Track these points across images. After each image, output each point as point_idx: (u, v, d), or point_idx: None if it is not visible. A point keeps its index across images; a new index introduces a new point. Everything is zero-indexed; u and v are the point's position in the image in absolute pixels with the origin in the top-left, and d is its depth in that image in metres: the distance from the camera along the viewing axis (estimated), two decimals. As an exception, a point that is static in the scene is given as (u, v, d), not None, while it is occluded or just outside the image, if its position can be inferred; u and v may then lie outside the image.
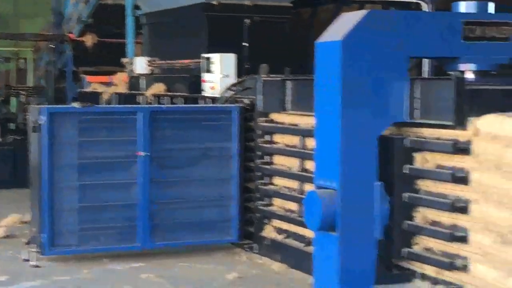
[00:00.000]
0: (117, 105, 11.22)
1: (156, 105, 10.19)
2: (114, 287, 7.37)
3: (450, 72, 6.82)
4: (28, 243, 8.51)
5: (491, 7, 7.35)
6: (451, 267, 6.30)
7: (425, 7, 8.90)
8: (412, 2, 10.03)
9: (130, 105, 10.15)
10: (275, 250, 8.33)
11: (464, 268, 6.20)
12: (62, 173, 8.17)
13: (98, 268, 8.00)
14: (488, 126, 5.99)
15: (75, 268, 7.96)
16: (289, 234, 8.22)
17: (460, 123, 6.24)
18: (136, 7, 12.64)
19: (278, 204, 8.43)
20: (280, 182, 8.45)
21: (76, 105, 8.76)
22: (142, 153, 8.35)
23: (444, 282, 6.43)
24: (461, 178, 6.24)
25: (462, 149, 6.22)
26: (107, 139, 8.37)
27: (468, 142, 6.16)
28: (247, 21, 10.15)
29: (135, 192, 8.42)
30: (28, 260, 8.12)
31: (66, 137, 8.22)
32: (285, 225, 8.28)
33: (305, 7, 10.13)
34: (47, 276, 7.70)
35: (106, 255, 8.30)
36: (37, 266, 7.98)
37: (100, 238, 8.35)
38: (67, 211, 8.22)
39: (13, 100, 15.62)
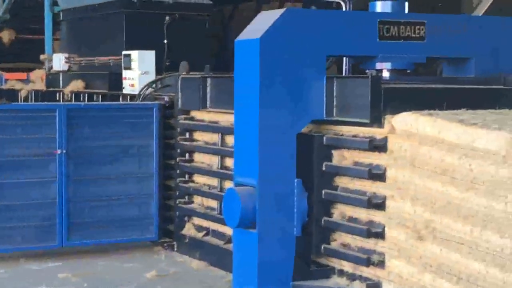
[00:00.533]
0: (34, 103, 11.09)
1: (74, 103, 10.10)
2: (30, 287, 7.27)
3: (367, 71, 6.89)
4: None
5: (406, 7, 7.54)
6: (368, 263, 6.35)
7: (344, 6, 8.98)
8: (333, 2, 10.14)
9: (47, 103, 10.01)
10: (195, 248, 8.34)
11: (380, 264, 6.29)
12: None
13: (15, 267, 7.94)
14: (403, 124, 6.08)
15: None
16: (209, 232, 8.25)
17: (376, 121, 6.30)
18: (55, 3, 12.53)
19: (198, 202, 8.46)
20: (200, 179, 8.48)
21: None
22: (59, 151, 8.28)
23: (361, 278, 6.50)
24: (377, 174, 6.31)
25: (378, 146, 6.29)
26: (24, 136, 8.27)
27: (384, 140, 6.25)
28: (167, 18, 10.16)
29: (53, 190, 8.33)
30: None
31: None
32: (205, 223, 8.33)
33: (226, 5, 10.12)
34: None
35: (23, 255, 8.23)
36: None
37: (17, 238, 8.25)
38: None
39: None
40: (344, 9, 9.79)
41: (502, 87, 6.89)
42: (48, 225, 8.36)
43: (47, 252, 8.37)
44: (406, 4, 7.68)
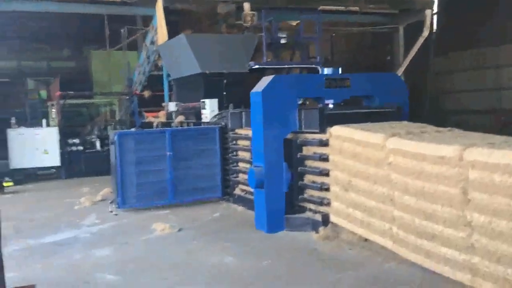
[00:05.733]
0: (159, 128, 11.04)
1: (177, 127, 10.03)
2: (151, 222, 7.30)
3: (319, 104, 6.90)
4: (111, 202, 8.64)
5: (340, 70, 7.67)
6: (322, 204, 6.51)
7: (318, 70, 9.04)
8: (310, 67, 10.23)
9: (164, 128, 10.00)
10: (240, 200, 8.37)
11: (328, 204, 6.42)
12: (126, 165, 8.21)
13: (147, 213, 8.07)
14: (335, 131, 6.23)
15: (135, 214, 8.05)
16: (246, 192, 8.27)
17: (323, 131, 6.40)
18: (168, 75, 12.62)
19: (241, 176, 8.45)
20: (241, 165, 8.48)
21: (133, 129, 9.08)
22: (168, 153, 8.43)
23: (319, 212, 6.56)
24: (324, 158, 6.42)
25: (324, 144, 6.40)
26: (150, 146, 8.36)
27: (327, 140, 6.35)
28: (225, 81, 10.21)
29: (165, 173, 8.38)
30: (111, 212, 8.27)
31: (128, 146, 8.23)
32: (244, 187, 8.34)
33: (254, 73, 10.20)
34: (120, 219, 7.82)
35: (152, 208, 8.33)
36: (116, 214, 8.11)
37: (147, 198, 8.37)
38: (130, 185, 8.24)
39: (108, 128, 15.66)
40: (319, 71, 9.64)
41: (391, 110, 6.87)
42: (164, 191, 8.40)
43: (163, 206, 8.41)
44: (340, 69, 7.77)
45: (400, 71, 13.34)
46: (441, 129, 5.72)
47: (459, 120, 17.00)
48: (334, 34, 18.90)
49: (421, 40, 13.07)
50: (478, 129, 5.82)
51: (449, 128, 5.68)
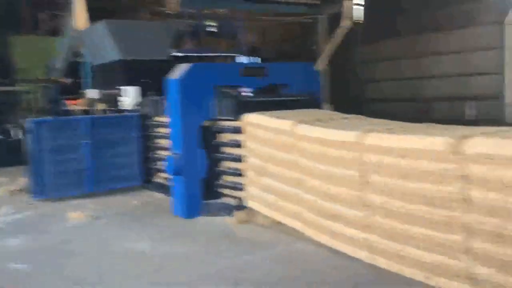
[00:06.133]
0: (73, 116, 10.74)
1: (96, 115, 9.87)
2: (68, 211, 7.20)
3: (235, 92, 6.92)
4: (28, 192, 8.37)
5: (257, 60, 7.83)
6: (237, 188, 6.69)
7: (239, 58, 9.09)
8: (232, 56, 10.30)
9: (80, 115, 9.79)
10: (160, 187, 8.34)
11: (243, 189, 6.59)
12: (43, 154, 8.03)
13: (65, 203, 7.92)
14: (250, 119, 6.39)
15: (52, 204, 7.89)
16: (166, 179, 8.03)
17: (238, 118, 6.51)
18: (90, 62, 12.32)
19: (161, 164, 8.36)
20: (161, 152, 8.37)
21: (49, 117, 8.82)
22: (86, 141, 8.30)
23: (235, 197, 6.74)
24: (239, 145, 6.57)
25: (239, 130, 6.52)
26: (67, 134, 8.16)
27: (242, 127, 6.47)
28: (146, 68, 9.90)
29: (84, 162, 8.25)
30: (27, 202, 8.07)
31: (44, 135, 8.04)
32: (163, 174, 8.17)
33: (177, 60, 9.97)
34: (37, 209, 7.69)
35: (70, 197, 8.15)
36: (31, 204, 7.95)
37: (65, 188, 8.21)
38: (47, 174, 8.05)
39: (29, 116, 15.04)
40: (240, 59, 9.71)
41: (305, 98, 7.06)
42: (82, 180, 8.25)
43: (82, 195, 8.24)
44: (259, 58, 7.89)
45: (322, 61, 13.71)
46: (348, 116, 6.04)
47: (381, 108, 17.72)
48: (263, 24, 19.14)
49: (341, 30, 13.46)
50: (398, 117, 6.07)
51: (355, 115, 6.00)
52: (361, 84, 19.85)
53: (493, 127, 4.44)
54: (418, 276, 4.33)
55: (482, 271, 3.85)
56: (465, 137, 3.94)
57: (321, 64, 13.91)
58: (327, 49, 13.89)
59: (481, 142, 3.80)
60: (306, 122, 5.57)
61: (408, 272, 4.41)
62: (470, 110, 16.47)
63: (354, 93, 19.46)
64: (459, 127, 4.82)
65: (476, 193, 3.84)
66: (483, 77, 15.95)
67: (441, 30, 16.67)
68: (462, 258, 4.00)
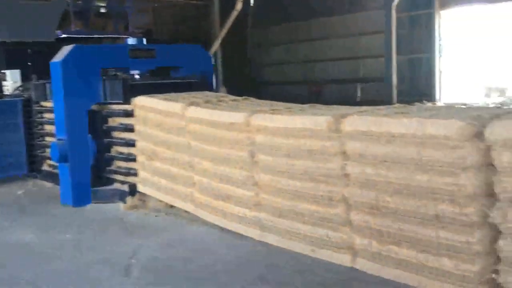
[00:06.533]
0: None
1: None
2: None
3: (123, 75, 6.75)
4: None
5: (145, 41, 7.73)
6: (129, 174, 6.61)
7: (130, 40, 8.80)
8: (121, 37, 9.99)
9: None
10: (48, 176, 8.06)
11: (135, 174, 6.52)
12: None
13: None
14: (139, 101, 6.30)
15: None
16: (54, 167, 7.78)
17: (127, 101, 6.41)
18: None
19: (48, 151, 7.69)
20: (48, 139, 8.02)
21: None
22: None
23: (127, 182, 6.65)
24: (130, 129, 6.49)
25: (129, 114, 6.43)
26: None
27: (132, 111, 6.40)
28: (29, 50, 9.70)
29: None
30: None
31: None
32: (50, 162, 7.93)
33: (63, 42, 9.66)
34: None
35: None
36: None
37: None
38: None
39: None
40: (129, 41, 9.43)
41: (196, 80, 7.12)
42: None
43: None
44: (144, 39, 7.81)
45: (216, 43, 13.76)
46: (237, 98, 6.15)
47: (277, 90, 18.13)
48: (156, 5, 18.79)
49: (235, 14, 13.59)
50: (293, 99, 6.24)
51: (244, 97, 6.13)
52: (257, 67, 20.20)
53: (370, 106, 4.71)
54: (306, 250, 4.55)
55: (361, 241, 4.11)
56: (343, 116, 4.16)
57: (215, 47, 13.97)
58: (221, 32, 13.96)
59: (357, 120, 4.04)
60: (196, 105, 5.59)
61: (297, 247, 4.61)
62: (360, 92, 17.35)
63: (251, 76, 19.79)
64: (342, 107, 5.09)
65: (353, 168, 4.08)
66: (371, 60, 16.84)
67: (331, 15, 17.36)
68: (343, 230, 4.25)
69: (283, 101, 5.76)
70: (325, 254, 4.39)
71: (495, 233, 3.34)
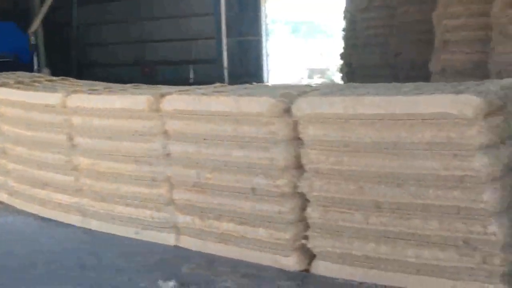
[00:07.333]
0: None
1: None
2: None
3: None
4: None
5: None
6: None
7: None
8: None
9: None
10: None
11: None
12: None
13: None
14: None
15: None
16: None
17: None
18: None
19: None
20: None
21: None
22: None
23: None
24: None
25: None
26: None
27: None
28: None
29: None
30: None
31: None
32: None
33: None
34: None
35: None
36: None
37: None
38: None
39: None
40: None
41: (8, 59, 6.74)
42: None
43: None
44: None
45: (37, 22, 12.94)
46: (54, 78, 5.87)
47: (108, 72, 17.58)
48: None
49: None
50: (124, 81, 5.80)
51: (62, 77, 5.87)
52: (83, 48, 19.36)
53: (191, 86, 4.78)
54: (129, 233, 4.52)
55: (184, 219, 4.20)
56: (163, 95, 4.19)
57: (35, 26, 13.12)
58: (42, 9, 13.15)
59: (176, 99, 4.09)
60: (5, 85, 5.24)
61: (120, 230, 4.57)
62: (192, 73, 17.54)
63: (76, 58, 18.91)
64: (165, 87, 5.08)
65: (175, 148, 4.14)
66: (203, 42, 17.08)
67: (161, -5, 17.25)
68: (167, 210, 4.30)
69: (115, 83, 5.55)
70: (149, 235, 4.41)
71: (304, 202, 3.62)
